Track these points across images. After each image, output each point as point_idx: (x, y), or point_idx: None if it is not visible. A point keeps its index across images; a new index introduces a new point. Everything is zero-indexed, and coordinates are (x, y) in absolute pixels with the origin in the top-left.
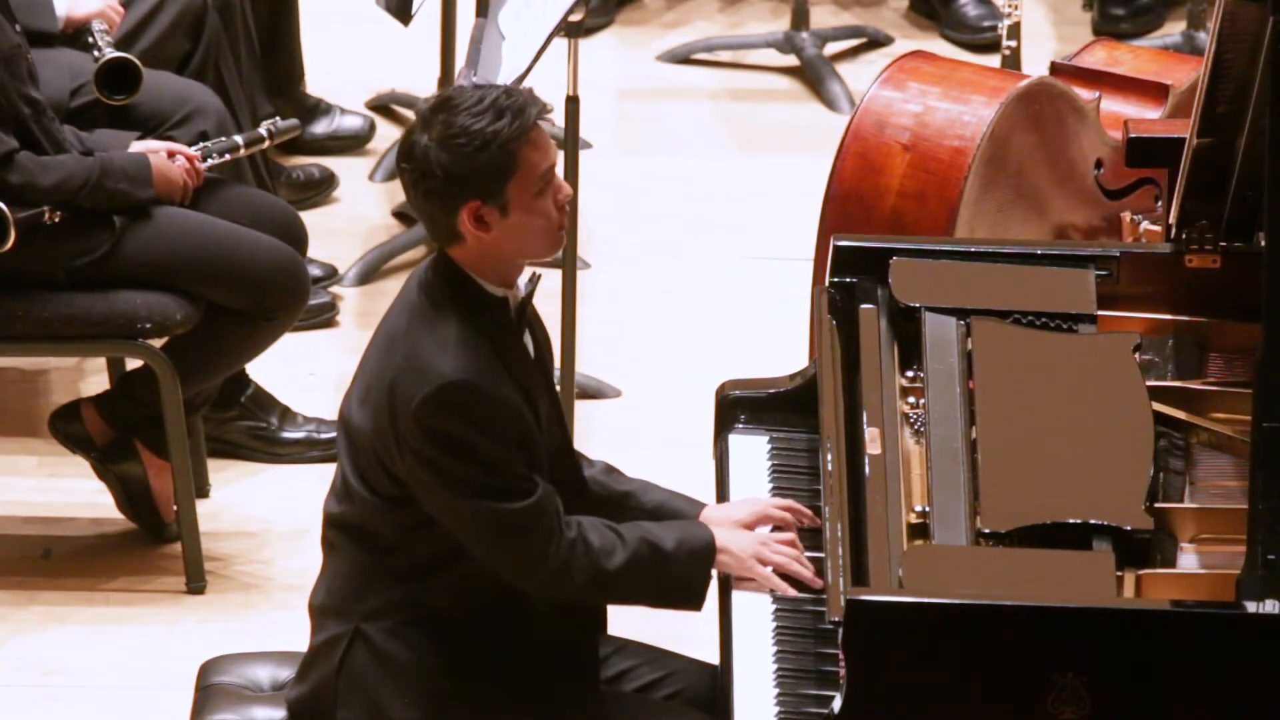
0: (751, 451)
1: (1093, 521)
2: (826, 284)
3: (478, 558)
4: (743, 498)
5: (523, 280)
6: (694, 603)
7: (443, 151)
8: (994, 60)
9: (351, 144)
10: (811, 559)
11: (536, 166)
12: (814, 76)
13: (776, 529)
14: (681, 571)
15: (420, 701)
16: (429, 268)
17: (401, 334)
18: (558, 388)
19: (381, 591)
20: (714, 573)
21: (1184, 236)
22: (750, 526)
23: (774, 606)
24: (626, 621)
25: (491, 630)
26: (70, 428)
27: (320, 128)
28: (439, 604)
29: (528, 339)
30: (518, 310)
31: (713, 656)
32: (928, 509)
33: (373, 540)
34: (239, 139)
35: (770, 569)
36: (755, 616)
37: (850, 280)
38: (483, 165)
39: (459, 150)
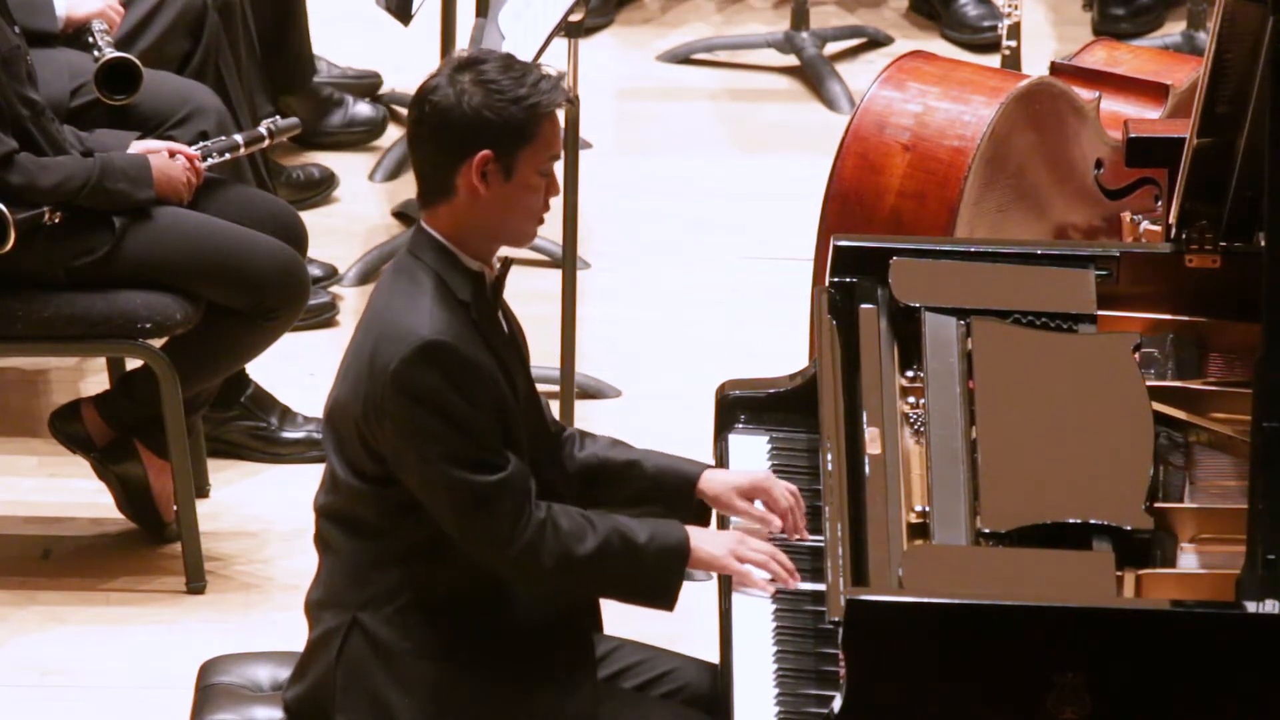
0: (751, 451)
1: (1093, 521)
2: (826, 284)
3: (450, 534)
4: (747, 469)
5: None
6: (665, 601)
7: (477, 93)
8: (994, 60)
9: (367, 134)
10: (812, 555)
11: (551, 145)
12: (814, 76)
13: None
14: (652, 565)
15: (419, 691)
16: (405, 247)
17: (379, 311)
18: (557, 387)
19: (377, 579)
20: (688, 573)
21: (1184, 236)
22: (748, 494)
23: (774, 606)
24: (625, 621)
25: (489, 618)
26: (70, 428)
27: (336, 119)
28: (435, 590)
29: (501, 319)
30: (493, 287)
31: (713, 656)
32: (928, 509)
33: (363, 527)
34: (239, 138)
35: (747, 566)
36: (755, 616)
37: (850, 280)
38: (511, 118)
39: (494, 96)
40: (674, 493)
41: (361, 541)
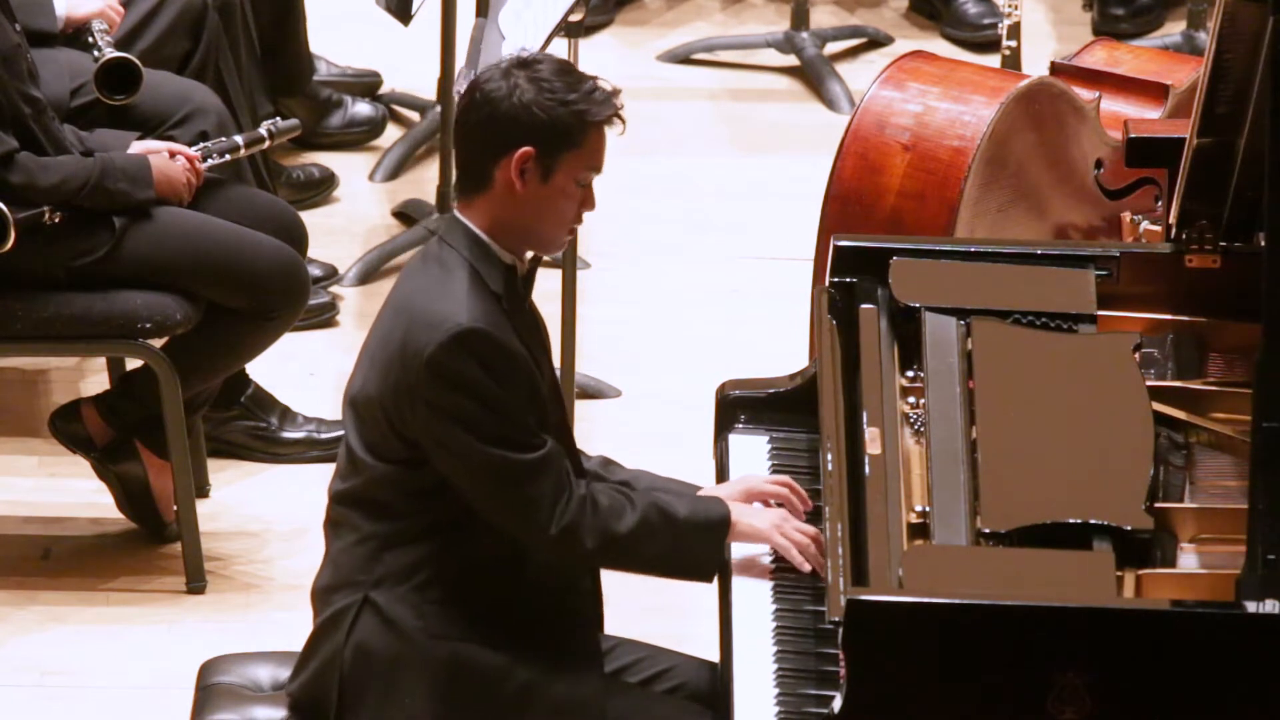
0: (751, 451)
1: (1093, 521)
2: (826, 284)
3: (487, 514)
4: (738, 477)
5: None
6: (704, 574)
7: (529, 89)
8: (994, 59)
9: (367, 134)
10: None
11: (593, 156)
12: (814, 76)
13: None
14: (693, 540)
15: (431, 671)
16: (437, 234)
17: (410, 296)
18: None
19: (391, 559)
20: (727, 546)
21: (1184, 236)
22: (745, 504)
23: (774, 606)
24: (625, 619)
25: (504, 603)
26: (70, 428)
27: (335, 120)
28: (450, 571)
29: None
30: (524, 279)
31: (713, 656)
32: (928, 509)
33: (382, 510)
34: (239, 139)
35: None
36: (755, 616)
37: (850, 280)
38: (558, 119)
39: (546, 94)
40: None
41: (378, 524)
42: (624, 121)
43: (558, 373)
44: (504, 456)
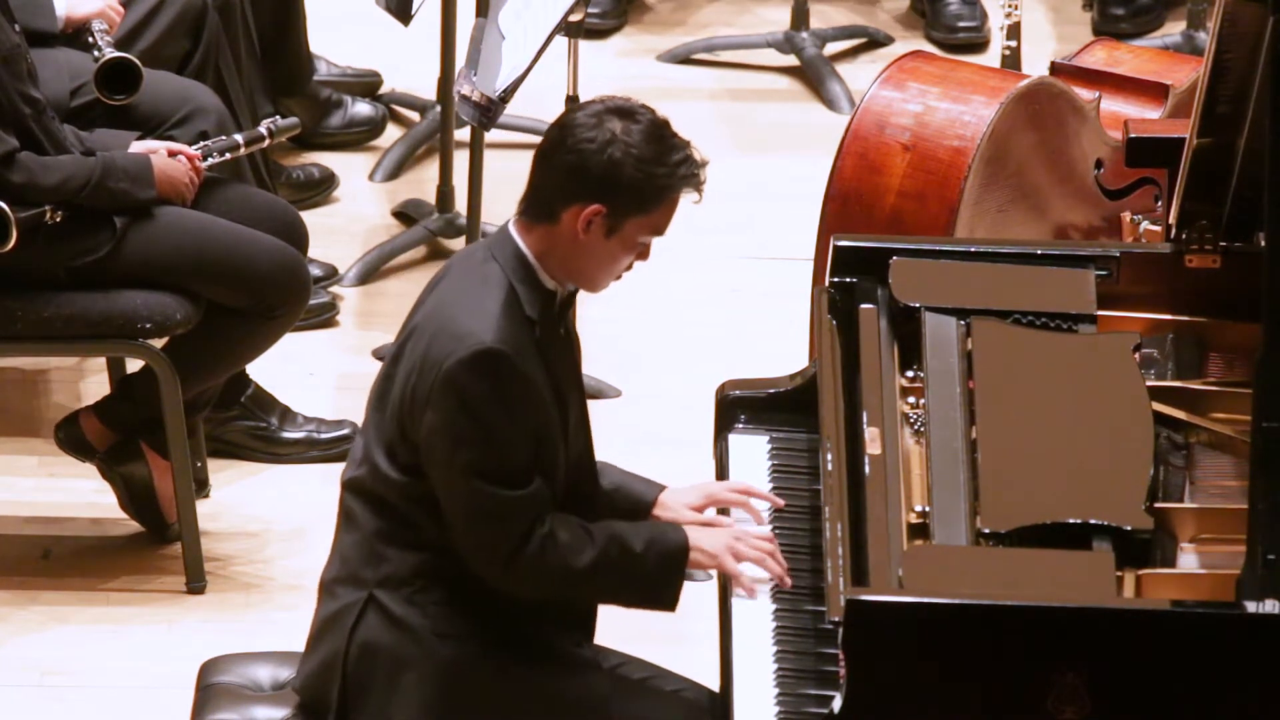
0: (751, 451)
1: (1093, 521)
2: (826, 284)
3: (455, 537)
4: (698, 483)
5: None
6: (666, 604)
7: (619, 149)
8: (975, 60)
9: (367, 134)
10: (812, 555)
11: (660, 224)
12: (814, 76)
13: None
14: (651, 572)
15: (436, 670)
16: (488, 246)
17: (444, 303)
18: None
19: (395, 557)
20: (690, 573)
21: (1184, 236)
22: (699, 509)
23: (774, 606)
24: (622, 619)
25: (501, 602)
26: (70, 434)
27: (335, 120)
28: (450, 574)
29: (563, 335)
30: (561, 305)
31: (713, 657)
32: (928, 509)
33: (387, 509)
34: (239, 137)
35: (742, 565)
36: (755, 616)
37: (850, 280)
38: (633, 184)
39: (633, 160)
40: (628, 516)
41: (384, 522)
42: (701, 194)
43: None
44: (484, 489)
